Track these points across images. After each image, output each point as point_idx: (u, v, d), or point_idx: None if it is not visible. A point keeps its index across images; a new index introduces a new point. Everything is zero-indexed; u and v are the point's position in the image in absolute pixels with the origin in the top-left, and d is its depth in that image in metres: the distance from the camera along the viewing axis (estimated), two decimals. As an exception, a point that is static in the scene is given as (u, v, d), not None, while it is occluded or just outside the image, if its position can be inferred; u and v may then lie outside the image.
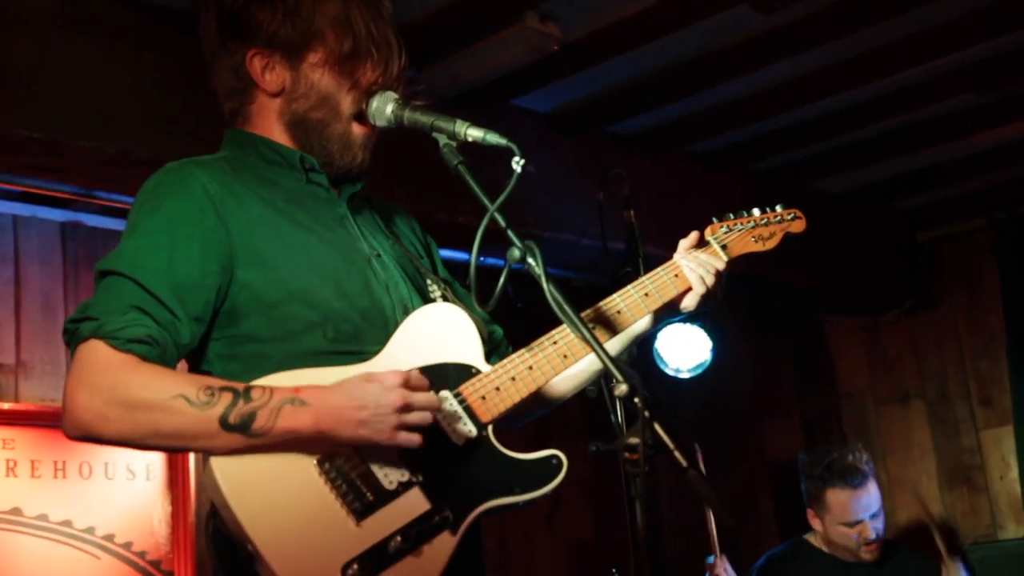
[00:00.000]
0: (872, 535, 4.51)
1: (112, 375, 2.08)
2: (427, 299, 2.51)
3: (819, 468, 4.64)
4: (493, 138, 2.37)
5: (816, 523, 4.67)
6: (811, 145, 4.97)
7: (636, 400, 2.10)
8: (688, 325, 5.26)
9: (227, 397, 2.09)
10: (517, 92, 4.25)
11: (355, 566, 2.09)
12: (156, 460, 4.65)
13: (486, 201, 2.31)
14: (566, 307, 2.24)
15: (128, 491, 4.56)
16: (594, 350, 2.18)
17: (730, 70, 4.24)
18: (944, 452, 5.78)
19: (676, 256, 2.66)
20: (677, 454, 2.09)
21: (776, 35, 4.03)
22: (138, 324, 2.11)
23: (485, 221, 2.29)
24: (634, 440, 2.09)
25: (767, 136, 4.85)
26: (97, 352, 2.09)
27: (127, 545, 4.53)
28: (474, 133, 2.38)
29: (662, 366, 5.32)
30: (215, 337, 2.23)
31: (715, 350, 5.25)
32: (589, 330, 2.21)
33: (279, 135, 2.46)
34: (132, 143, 3.53)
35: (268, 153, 2.43)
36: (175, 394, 2.08)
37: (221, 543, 2.13)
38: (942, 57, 4.26)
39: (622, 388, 2.11)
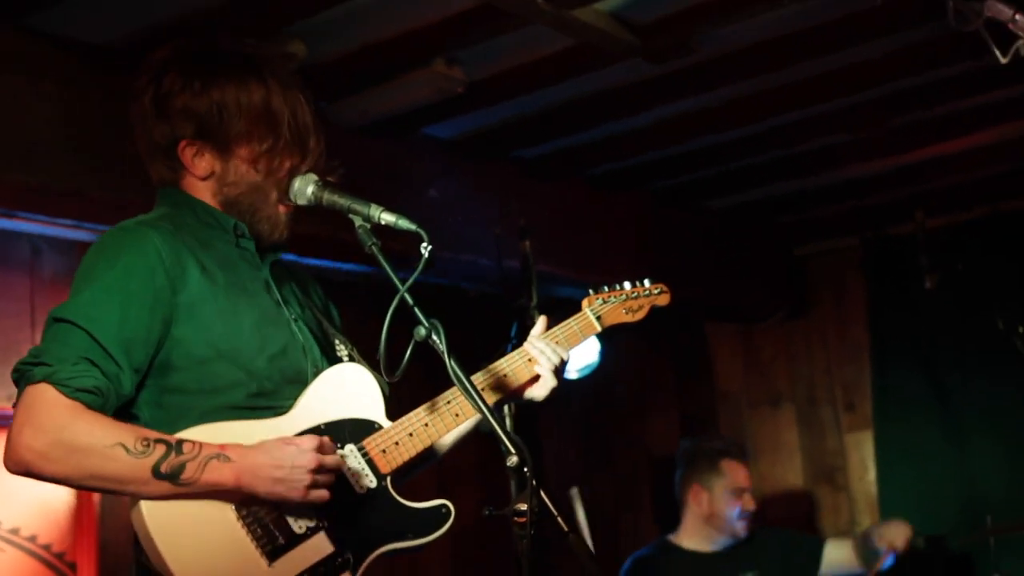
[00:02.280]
0: (753, 506, 4.98)
1: (59, 418, 2.32)
2: (335, 359, 2.77)
3: (716, 443, 5.19)
4: (404, 224, 2.63)
5: (701, 498, 5.03)
6: (700, 170, 5.28)
7: (525, 470, 2.41)
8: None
9: (160, 448, 2.36)
10: (423, 124, 4.49)
11: None
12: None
13: (397, 282, 2.57)
14: (467, 384, 2.52)
15: (32, 483, 4.66)
16: (492, 423, 2.47)
17: (624, 108, 4.52)
18: (810, 453, 6.20)
19: (532, 341, 2.93)
20: (559, 520, 2.42)
21: (666, 80, 4.31)
22: (87, 375, 2.36)
23: (396, 302, 2.56)
24: (522, 506, 2.40)
25: (659, 162, 5.15)
26: (46, 396, 2.33)
27: (32, 538, 4.65)
28: (387, 218, 2.63)
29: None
30: (146, 385, 2.48)
31: (603, 352, 5.52)
32: (487, 405, 2.50)
33: (212, 203, 2.68)
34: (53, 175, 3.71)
35: (205, 217, 2.66)
36: (115, 442, 2.34)
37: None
38: (817, 103, 4.60)
39: (513, 459, 2.42)
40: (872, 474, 5.94)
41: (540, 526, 2.39)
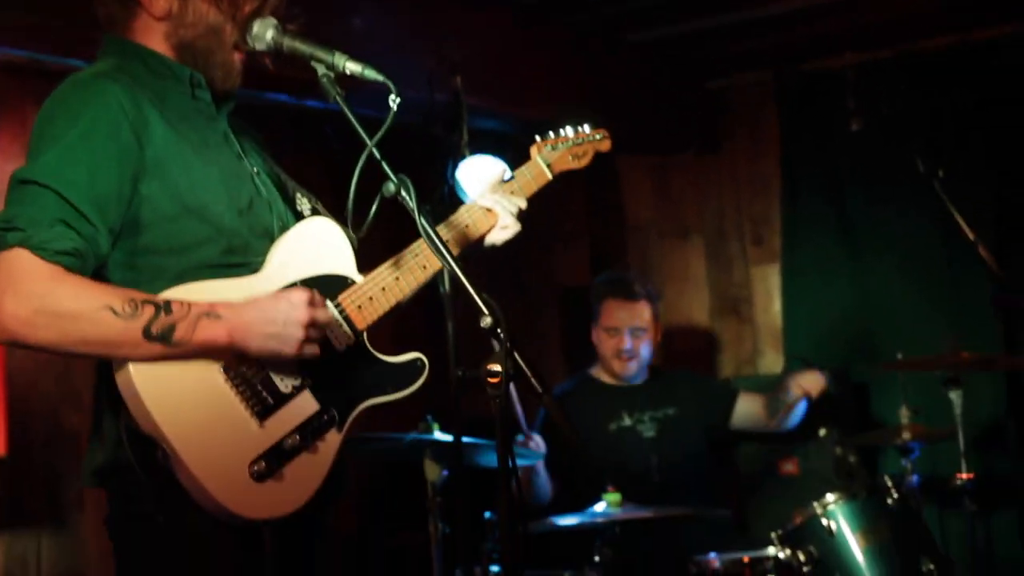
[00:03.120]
0: (626, 345, 5.01)
1: (41, 284, 2.24)
2: (297, 213, 2.72)
3: (601, 284, 5.20)
4: (371, 74, 2.57)
5: (596, 339, 5.13)
6: (621, 3, 5.20)
7: (499, 332, 2.41)
8: (490, 157, 5.50)
9: (150, 310, 2.30)
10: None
11: (261, 463, 2.40)
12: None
13: (365, 137, 2.54)
14: (438, 241, 2.51)
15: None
16: (463, 284, 2.47)
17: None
18: (716, 284, 6.31)
19: (486, 195, 2.96)
20: (534, 380, 2.44)
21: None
22: (65, 237, 2.27)
23: (364, 157, 2.54)
24: (495, 367, 2.41)
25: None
26: (24, 261, 2.25)
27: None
28: (352, 67, 2.57)
29: (463, 196, 5.57)
30: (116, 246, 2.40)
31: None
32: (459, 263, 2.49)
33: (163, 51, 2.56)
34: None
35: (157, 67, 2.55)
36: (102, 305, 2.27)
37: (136, 442, 2.35)
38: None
39: (486, 320, 2.43)
40: (777, 306, 6.08)
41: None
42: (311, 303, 2.41)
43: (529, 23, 5.27)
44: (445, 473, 4.03)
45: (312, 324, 2.40)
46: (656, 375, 5.18)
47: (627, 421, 5.01)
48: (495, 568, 4.19)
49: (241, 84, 2.64)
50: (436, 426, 4.05)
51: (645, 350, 5.06)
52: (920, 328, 5.45)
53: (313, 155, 5.29)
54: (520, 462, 4.53)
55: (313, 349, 2.43)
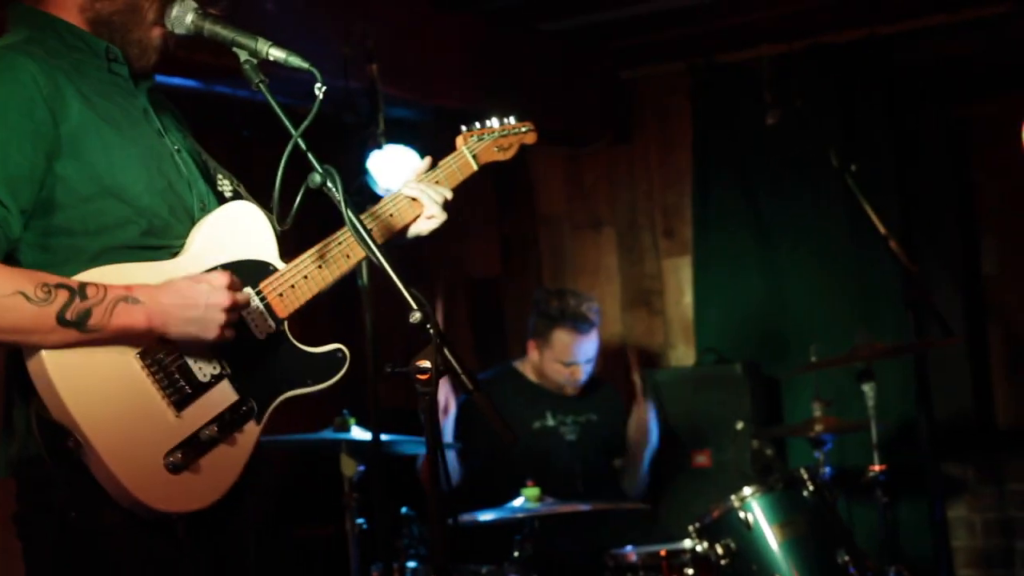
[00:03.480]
0: (582, 377, 5.02)
1: None
2: (218, 195, 2.63)
3: (554, 308, 5.02)
4: (295, 61, 2.51)
5: (535, 354, 5.07)
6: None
7: (429, 327, 2.36)
8: (400, 146, 5.43)
9: (63, 294, 2.19)
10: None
11: (177, 454, 2.30)
12: None
13: (290, 127, 2.47)
14: (363, 232, 2.45)
15: None
16: (390, 278, 2.41)
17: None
18: (628, 277, 6.29)
19: (411, 184, 2.88)
20: (464, 377, 2.39)
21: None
22: None
23: (289, 147, 2.46)
24: (425, 363, 2.36)
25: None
26: None
27: None
28: (276, 53, 2.50)
29: (373, 186, 5.50)
30: (28, 226, 2.29)
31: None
32: (385, 255, 2.43)
33: (77, 23, 2.45)
34: None
35: (72, 40, 2.44)
36: (13, 291, 2.17)
37: (47, 431, 2.25)
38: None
39: (416, 316, 2.37)
40: (688, 299, 6.08)
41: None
42: (231, 286, 2.34)
43: (443, 9, 5.20)
44: (361, 468, 3.97)
45: (233, 308, 2.33)
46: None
47: (551, 421, 4.99)
48: (412, 564, 4.14)
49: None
50: (353, 421, 3.98)
51: (592, 372, 5.09)
52: (831, 321, 5.50)
53: (220, 142, 5.18)
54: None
55: (231, 333, 2.36)
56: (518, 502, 4.19)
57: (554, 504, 4.17)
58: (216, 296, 2.31)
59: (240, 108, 5.19)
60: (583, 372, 5.00)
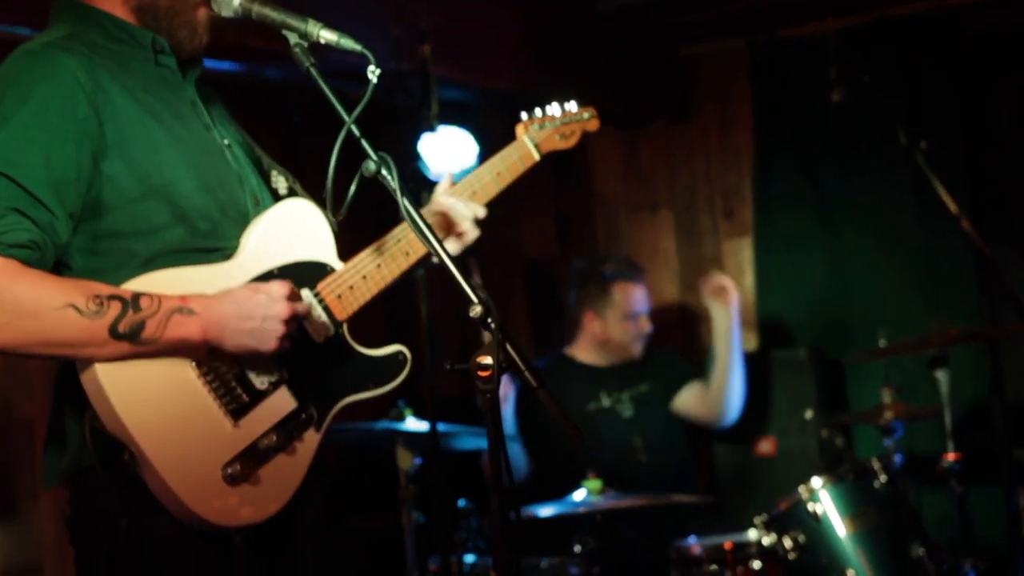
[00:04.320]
0: (648, 328, 4.96)
1: None
2: (272, 190, 2.54)
3: (607, 269, 5.03)
4: (347, 43, 2.40)
5: (595, 325, 4.98)
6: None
7: (490, 321, 2.25)
8: (454, 128, 5.33)
9: (116, 306, 2.10)
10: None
11: (236, 465, 2.22)
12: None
13: (343, 113, 2.36)
14: (420, 222, 2.34)
15: None
16: (450, 272, 2.30)
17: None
18: (686, 260, 6.15)
19: (438, 198, 2.71)
20: (528, 374, 2.27)
21: None
22: (20, 228, 2.07)
23: (343, 134, 2.36)
24: (486, 359, 2.25)
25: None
26: None
27: None
28: (328, 36, 2.40)
29: (425, 172, 5.40)
30: (78, 230, 2.20)
31: (481, 155, 5.34)
32: (445, 249, 2.32)
33: (122, 15, 2.36)
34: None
35: (117, 32, 2.34)
36: (65, 303, 2.07)
37: (102, 444, 2.17)
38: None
39: (476, 310, 2.26)
40: (749, 281, 5.93)
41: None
42: (291, 296, 2.24)
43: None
44: (418, 461, 3.88)
45: (292, 319, 2.23)
46: (641, 355, 5.07)
47: (606, 402, 4.89)
48: (470, 557, 4.04)
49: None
50: (409, 412, 3.89)
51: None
52: (899, 304, 5.34)
53: (268, 129, 5.10)
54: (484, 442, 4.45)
55: (289, 344, 2.26)
56: (579, 495, 4.09)
57: (616, 497, 4.07)
58: (274, 307, 2.22)
59: (291, 94, 5.11)
60: (648, 322, 4.99)
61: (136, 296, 2.13)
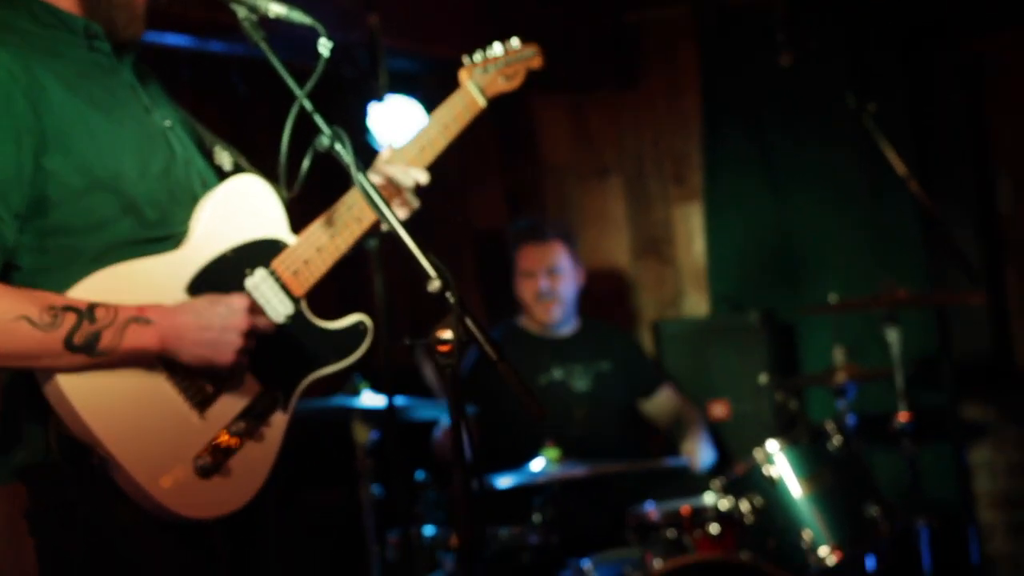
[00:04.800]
0: (541, 286, 4.85)
1: None
2: (216, 168, 2.51)
3: (515, 229, 5.08)
4: (297, 16, 2.38)
5: (516, 287, 4.97)
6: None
7: (448, 296, 2.24)
8: (402, 96, 5.29)
9: (71, 318, 2.06)
10: None
11: (206, 457, 2.20)
12: None
13: (295, 87, 2.34)
14: (374, 195, 2.32)
15: None
16: (406, 244, 2.29)
17: None
18: (637, 225, 6.15)
19: (381, 167, 2.67)
20: (488, 348, 2.26)
21: None
22: None
23: (295, 109, 2.33)
24: (446, 333, 2.24)
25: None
26: None
27: None
28: (277, 9, 2.37)
29: (373, 143, 5.36)
30: (24, 230, 2.14)
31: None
32: (401, 222, 2.30)
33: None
34: None
35: (47, 18, 2.27)
36: (17, 315, 2.03)
37: (69, 449, 2.13)
38: None
39: (435, 284, 2.25)
40: (700, 246, 5.95)
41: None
42: (251, 309, 2.22)
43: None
44: (375, 434, 3.86)
45: (251, 333, 2.21)
46: (588, 326, 5.04)
47: (558, 374, 4.86)
48: (429, 529, 4.04)
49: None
50: (364, 385, 3.87)
51: (565, 291, 4.92)
52: (848, 265, 5.38)
53: (214, 102, 5.04)
54: (438, 414, 4.43)
55: (246, 359, 2.24)
56: (537, 464, 4.09)
57: (574, 466, 4.07)
58: (233, 319, 2.19)
59: (236, 66, 5.04)
60: (543, 282, 4.86)
61: (91, 307, 2.09)
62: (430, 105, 5.21)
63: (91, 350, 2.08)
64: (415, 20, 4.93)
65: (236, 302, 2.21)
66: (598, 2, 5.93)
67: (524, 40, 3.08)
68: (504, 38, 5.28)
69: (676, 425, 4.97)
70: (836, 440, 4.18)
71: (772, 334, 5.36)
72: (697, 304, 5.99)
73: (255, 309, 2.25)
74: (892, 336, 4.38)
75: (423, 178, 2.70)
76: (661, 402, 5.04)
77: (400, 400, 3.80)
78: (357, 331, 2.48)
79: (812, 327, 5.40)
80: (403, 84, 4.98)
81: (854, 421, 4.43)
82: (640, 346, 5.43)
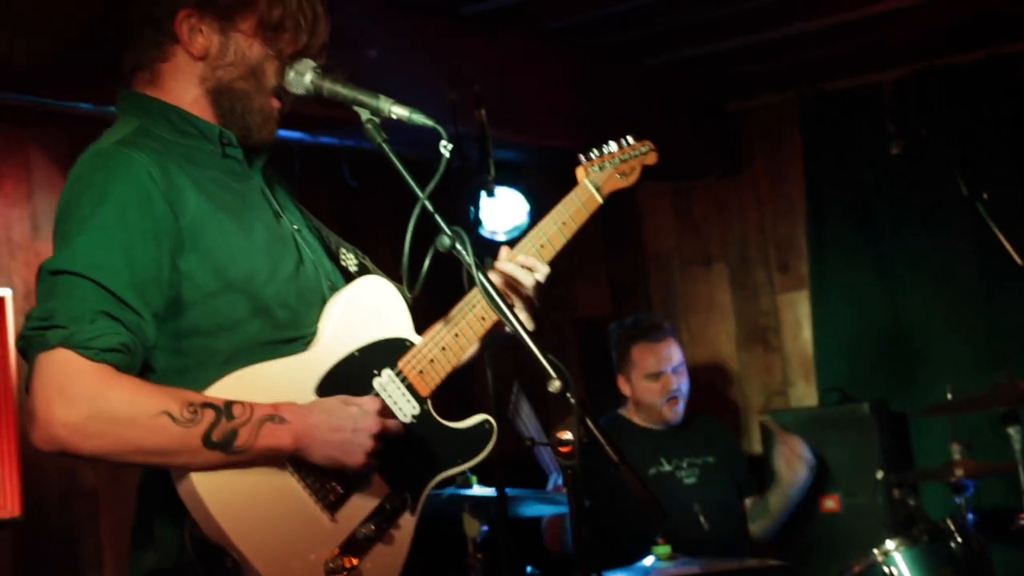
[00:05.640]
0: (674, 386, 4.82)
1: (91, 387, 2.02)
2: (342, 268, 2.53)
3: (625, 330, 4.98)
4: (419, 118, 2.39)
5: (626, 388, 4.93)
6: (640, 27, 5.01)
7: (569, 396, 2.22)
8: (506, 188, 5.32)
9: (210, 414, 2.08)
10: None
11: (338, 560, 2.20)
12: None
13: (416, 188, 2.35)
14: (495, 295, 2.31)
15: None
16: (527, 346, 2.27)
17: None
18: (743, 313, 6.09)
19: (499, 265, 2.67)
20: (609, 449, 2.23)
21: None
22: (110, 332, 2.05)
23: (417, 210, 2.34)
24: (567, 435, 2.22)
25: (601, 19, 4.87)
26: (69, 362, 2.02)
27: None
28: (399, 111, 2.39)
29: (478, 228, 5.38)
30: (160, 331, 2.18)
31: (531, 214, 5.32)
32: (521, 322, 2.30)
33: (192, 101, 2.36)
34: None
35: (184, 126, 2.33)
36: (159, 411, 2.05)
37: (203, 551, 2.14)
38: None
39: (556, 384, 2.23)
40: (807, 334, 5.87)
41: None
42: (382, 412, 2.24)
43: (547, 47, 5.08)
44: (485, 528, 3.82)
45: (381, 434, 2.22)
46: (691, 418, 5.00)
47: (666, 467, 4.81)
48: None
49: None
50: (474, 479, 3.85)
51: (687, 387, 4.93)
52: (962, 356, 5.26)
53: (325, 194, 5.11)
54: (553, 509, 4.39)
55: (375, 462, 2.24)
56: (649, 561, 4.02)
57: (687, 563, 3.99)
58: (365, 420, 2.21)
59: (347, 158, 5.12)
60: (673, 381, 4.85)
61: (229, 404, 2.11)
62: (534, 196, 5.30)
63: (228, 447, 2.09)
64: (521, 112, 4.97)
65: (368, 404, 2.23)
66: (700, 91, 5.93)
67: (634, 134, 3.07)
68: (609, 129, 5.35)
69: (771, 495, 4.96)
70: (957, 539, 4.05)
71: (884, 425, 5.25)
72: (805, 394, 5.90)
73: (385, 411, 2.26)
74: (1014, 431, 4.26)
75: (543, 272, 2.69)
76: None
77: (510, 493, 3.76)
78: (482, 430, 2.48)
79: (924, 419, 5.27)
80: (507, 174, 5.01)
81: (974, 519, 4.30)
82: (741, 451, 5.36)
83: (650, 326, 4.95)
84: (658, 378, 4.85)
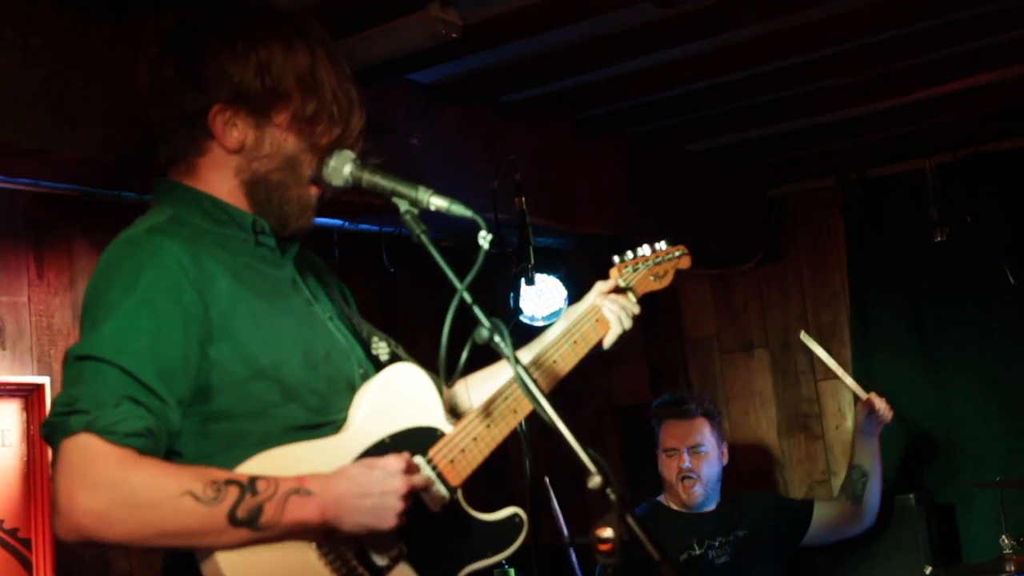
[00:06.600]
0: (685, 464, 4.76)
1: (113, 472, 2.00)
2: (373, 357, 2.52)
3: (657, 406, 5.00)
4: (458, 209, 2.38)
5: (660, 466, 4.89)
6: (682, 115, 5.02)
7: (609, 492, 2.17)
8: (544, 275, 5.31)
9: (234, 491, 2.05)
10: (412, 69, 4.16)
11: None
12: (11, 426, 4.45)
13: (455, 280, 2.33)
14: (534, 390, 2.28)
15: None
16: (567, 440, 2.23)
17: (623, 53, 4.23)
18: (784, 400, 6.03)
19: (594, 299, 2.82)
20: (650, 547, 2.18)
21: (666, 24, 4.03)
22: (134, 416, 2.04)
23: (455, 302, 2.31)
24: (607, 532, 2.17)
25: (641, 107, 4.88)
26: (92, 447, 2.00)
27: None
28: (438, 203, 2.38)
29: (518, 316, 5.37)
30: (187, 415, 2.16)
31: (569, 299, 5.32)
32: (558, 415, 2.26)
33: (228, 192, 2.37)
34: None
35: (216, 213, 2.34)
36: (183, 491, 2.03)
37: None
38: (819, 47, 4.35)
39: (595, 480, 2.19)
40: (849, 422, 5.79)
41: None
42: (407, 470, 2.19)
43: (587, 135, 5.10)
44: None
45: (409, 493, 2.18)
46: (731, 500, 4.91)
47: (697, 550, 4.74)
48: None
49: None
50: (512, 572, 3.79)
51: (708, 471, 4.82)
52: (1011, 450, 5.16)
53: (363, 280, 5.12)
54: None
55: (406, 520, 2.20)
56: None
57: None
58: (392, 482, 2.16)
59: (385, 244, 5.14)
60: (686, 460, 4.78)
61: (252, 480, 2.09)
62: (569, 279, 5.28)
63: (254, 523, 2.06)
64: (562, 200, 4.97)
65: (392, 464, 2.19)
66: (741, 178, 5.93)
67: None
68: (649, 215, 5.35)
69: (848, 483, 4.97)
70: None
71: (931, 516, 5.14)
72: (848, 483, 5.79)
73: (411, 468, 2.22)
74: (1064, 524, 4.17)
75: (636, 309, 2.90)
76: (821, 515, 4.92)
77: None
78: (512, 524, 2.45)
79: (973, 509, 5.17)
80: (546, 260, 5.00)
81: (1025, 614, 4.20)
82: (781, 497, 5.25)
83: (676, 402, 4.94)
84: (674, 454, 4.81)
